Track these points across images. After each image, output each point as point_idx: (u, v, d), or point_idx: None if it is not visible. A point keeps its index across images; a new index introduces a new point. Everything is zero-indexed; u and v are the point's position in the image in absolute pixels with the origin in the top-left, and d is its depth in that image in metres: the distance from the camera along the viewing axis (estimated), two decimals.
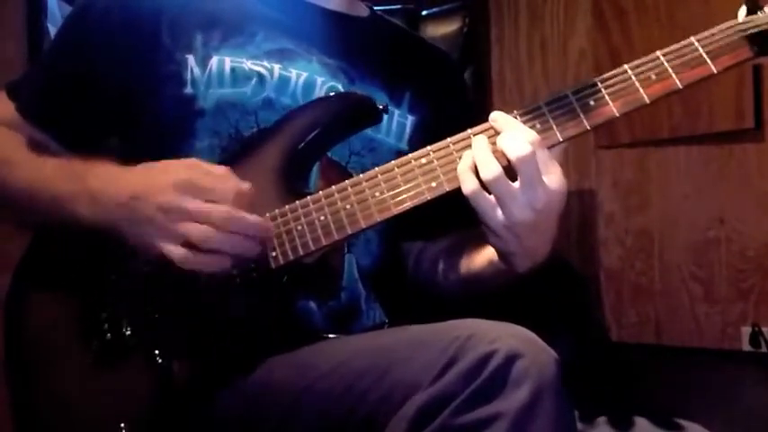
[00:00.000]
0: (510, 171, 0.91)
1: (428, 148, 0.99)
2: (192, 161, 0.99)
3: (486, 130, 0.97)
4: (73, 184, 1.01)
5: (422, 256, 1.25)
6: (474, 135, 0.96)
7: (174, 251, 0.94)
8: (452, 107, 1.25)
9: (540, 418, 0.78)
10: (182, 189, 0.95)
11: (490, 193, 0.92)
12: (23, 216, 1.10)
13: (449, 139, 0.99)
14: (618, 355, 2.23)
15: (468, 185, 0.92)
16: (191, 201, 0.94)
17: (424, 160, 0.99)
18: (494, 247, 0.99)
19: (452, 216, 1.19)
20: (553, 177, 0.91)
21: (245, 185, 0.97)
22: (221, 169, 0.98)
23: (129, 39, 1.12)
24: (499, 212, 0.91)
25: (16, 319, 1.07)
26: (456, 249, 1.18)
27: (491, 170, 0.90)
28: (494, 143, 0.93)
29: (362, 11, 1.29)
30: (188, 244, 0.94)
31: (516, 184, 0.90)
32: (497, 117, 0.95)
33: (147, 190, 0.96)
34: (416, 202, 0.98)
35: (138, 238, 0.97)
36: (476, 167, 0.92)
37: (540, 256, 0.98)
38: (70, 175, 1.02)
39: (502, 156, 0.91)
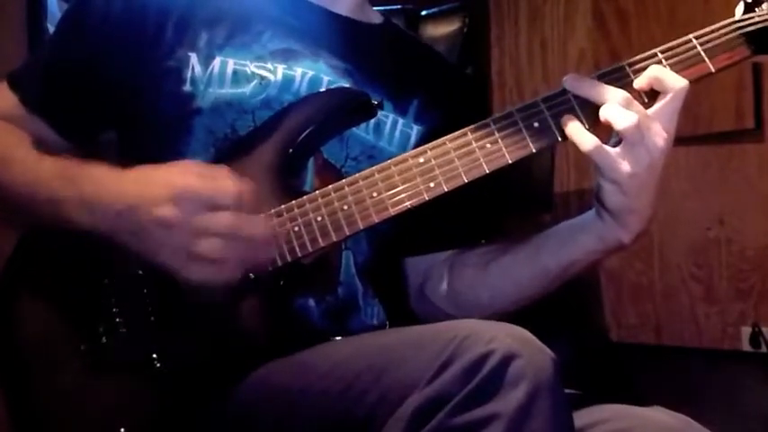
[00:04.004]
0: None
1: (425, 146, 0.99)
2: (187, 166, 0.97)
3: (481, 127, 0.97)
4: (68, 188, 0.99)
5: (432, 273, 1.20)
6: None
7: (179, 267, 0.93)
8: (466, 118, 1.23)
9: (537, 418, 0.78)
10: (179, 200, 0.92)
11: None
12: (22, 216, 1.09)
13: (445, 138, 0.99)
14: (618, 355, 2.23)
15: (589, 143, 0.95)
16: (190, 213, 0.92)
17: (421, 159, 0.98)
18: (613, 210, 0.99)
19: (458, 227, 1.19)
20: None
21: (245, 185, 0.95)
22: (218, 171, 0.96)
23: (131, 30, 1.11)
24: (624, 163, 0.94)
25: (8, 322, 1.06)
26: (494, 258, 1.14)
27: (629, 118, 0.93)
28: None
29: (375, 18, 1.27)
30: (193, 256, 0.92)
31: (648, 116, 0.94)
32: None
33: (143, 202, 0.93)
34: (415, 202, 0.98)
35: (140, 249, 0.95)
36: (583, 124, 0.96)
37: (646, 221, 0.99)
38: (65, 178, 1.00)
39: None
